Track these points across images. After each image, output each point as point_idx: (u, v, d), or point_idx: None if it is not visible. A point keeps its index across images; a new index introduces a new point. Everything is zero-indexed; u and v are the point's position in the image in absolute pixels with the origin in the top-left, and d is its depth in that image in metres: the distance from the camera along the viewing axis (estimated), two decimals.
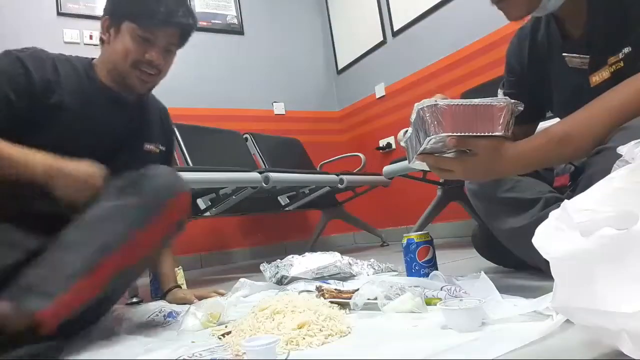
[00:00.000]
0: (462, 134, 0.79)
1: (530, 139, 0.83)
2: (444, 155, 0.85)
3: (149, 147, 1.22)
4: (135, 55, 1.09)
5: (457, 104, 0.79)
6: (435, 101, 0.79)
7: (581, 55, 0.93)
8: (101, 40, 1.15)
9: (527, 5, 0.89)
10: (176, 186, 0.97)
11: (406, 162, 2.66)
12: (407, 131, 0.90)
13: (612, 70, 0.85)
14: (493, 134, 0.79)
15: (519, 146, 0.82)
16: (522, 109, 0.81)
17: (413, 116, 0.82)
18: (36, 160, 0.91)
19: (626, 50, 0.83)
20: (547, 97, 1.05)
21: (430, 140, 0.80)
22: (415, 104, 0.81)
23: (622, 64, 0.84)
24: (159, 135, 1.27)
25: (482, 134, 0.79)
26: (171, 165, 1.35)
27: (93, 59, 1.17)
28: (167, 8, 1.10)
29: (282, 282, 1.39)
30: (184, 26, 1.14)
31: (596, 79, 0.88)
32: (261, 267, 1.47)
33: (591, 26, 0.90)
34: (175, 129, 2.59)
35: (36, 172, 0.90)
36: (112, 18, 1.11)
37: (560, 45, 0.97)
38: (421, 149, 0.83)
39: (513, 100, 0.79)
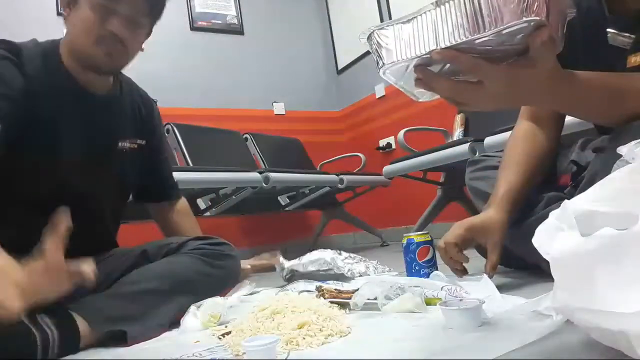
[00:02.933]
0: (453, 42, 0.58)
1: (581, 77, 0.71)
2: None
3: (122, 144, 1.11)
4: (96, 29, 0.94)
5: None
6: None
7: (631, 35, 0.84)
8: (63, 17, 1.00)
9: None
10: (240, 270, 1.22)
11: (406, 162, 2.65)
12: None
13: None
14: (519, 23, 0.56)
15: (561, 79, 0.68)
16: (574, 13, 0.65)
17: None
18: None
19: None
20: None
21: (415, 58, 0.62)
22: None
23: None
24: (136, 129, 1.15)
25: (500, 30, 0.56)
26: (160, 157, 1.26)
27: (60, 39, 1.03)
28: None
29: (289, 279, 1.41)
30: None
31: (637, 59, 0.82)
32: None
33: None
34: (175, 128, 2.61)
35: None
36: None
37: (605, 20, 0.87)
38: (382, 68, 0.66)
39: None
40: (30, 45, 0.99)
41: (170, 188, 1.32)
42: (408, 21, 0.62)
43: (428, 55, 0.61)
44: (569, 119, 1.25)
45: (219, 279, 1.11)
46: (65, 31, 1.01)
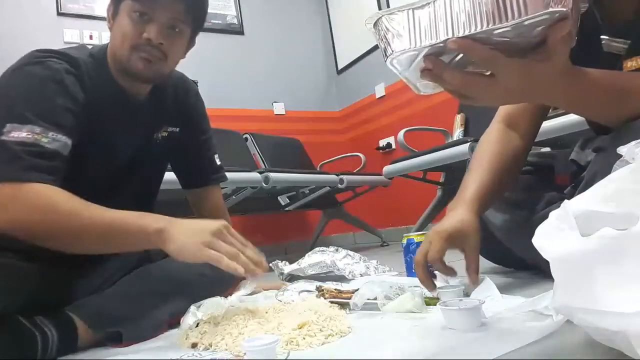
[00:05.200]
0: (471, 31, 0.55)
1: (591, 73, 0.70)
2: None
3: (156, 135, 1.13)
4: (132, 37, 0.96)
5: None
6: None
7: (626, 41, 0.84)
8: (109, 28, 1.03)
9: None
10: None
11: (406, 162, 2.66)
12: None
13: None
14: (543, 15, 0.53)
15: (573, 74, 0.66)
16: (586, 7, 0.64)
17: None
18: (142, 223, 0.83)
19: None
20: None
21: (428, 49, 0.58)
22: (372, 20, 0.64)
23: None
24: (170, 119, 1.15)
25: (519, 21, 0.53)
26: (193, 143, 1.23)
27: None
28: None
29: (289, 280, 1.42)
30: None
31: (632, 64, 0.82)
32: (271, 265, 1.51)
33: None
34: None
35: (150, 238, 0.83)
36: (114, 1, 0.99)
37: (598, 28, 0.88)
38: (390, 60, 0.63)
39: None
40: (84, 55, 0.99)
41: (203, 175, 1.27)
42: (422, 6, 0.58)
43: (442, 45, 0.57)
44: (567, 118, 1.24)
45: (219, 280, 1.11)
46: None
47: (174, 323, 0.96)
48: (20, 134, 0.83)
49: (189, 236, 0.81)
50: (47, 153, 0.85)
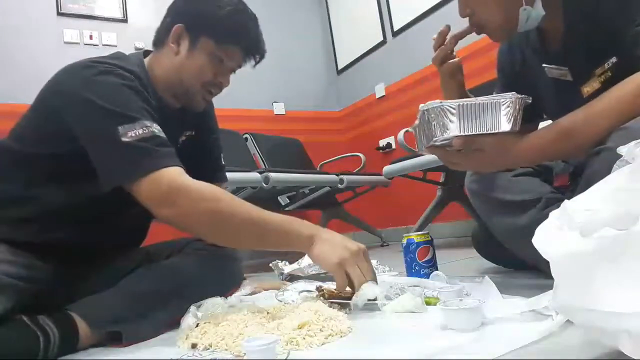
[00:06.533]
0: (468, 133, 0.80)
1: (537, 133, 0.85)
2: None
3: (179, 140, 1.15)
4: (208, 76, 1.05)
5: (462, 104, 0.79)
6: (440, 102, 0.80)
7: (559, 67, 0.95)
8: (160, 43, 1.06)
9: (506, 31, 0.93)
10: (242, 273, 1.27)
11: (406, 162, 2.66)
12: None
13: (602, 80, 0.87)
14: (500, 131, 0.80)
15: (525, 140, 0.84)
16: (530, 101, 0.81)
17: (418, 115, 0.83)
18: (297, 227, 0.92)
19: (613, 60, 0.85)
20: (540, 102, 1.06)
21: (435, 140, 0.82)
22: (420, 106, 0.82)
23: (610, 73, 0.85)
24: (189, 123, 1.19)
25: (489, 132, 0.80)
26: (206, 143, 1.25)
27: (145, 54, 1.09)
28: (254, 31, 1.08)
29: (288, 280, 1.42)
30: (263, 53, 1.12)
31: (588, 89, 0.90)
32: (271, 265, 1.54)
33: (568, 39, 0.92)
34: None
35: (301, 241, 0.91)
36: (189, 29, 1.04)
37: (541, 56, 0.99)
38: (427, 145, 0.86)
39: (520, 95, 0.80)
40: (134, 66, 0.99)
41: (213, 173, 1.28)
42: (452, 114, 0.83)
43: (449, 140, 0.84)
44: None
45: (220, 282, 1.11)
46: (161, 58, 1.07)
47: (174, 323, 0.96)
48: (136, 131, 0.85)
49: (332, 247, 0.90)
50: (167, 141, 0.89)
